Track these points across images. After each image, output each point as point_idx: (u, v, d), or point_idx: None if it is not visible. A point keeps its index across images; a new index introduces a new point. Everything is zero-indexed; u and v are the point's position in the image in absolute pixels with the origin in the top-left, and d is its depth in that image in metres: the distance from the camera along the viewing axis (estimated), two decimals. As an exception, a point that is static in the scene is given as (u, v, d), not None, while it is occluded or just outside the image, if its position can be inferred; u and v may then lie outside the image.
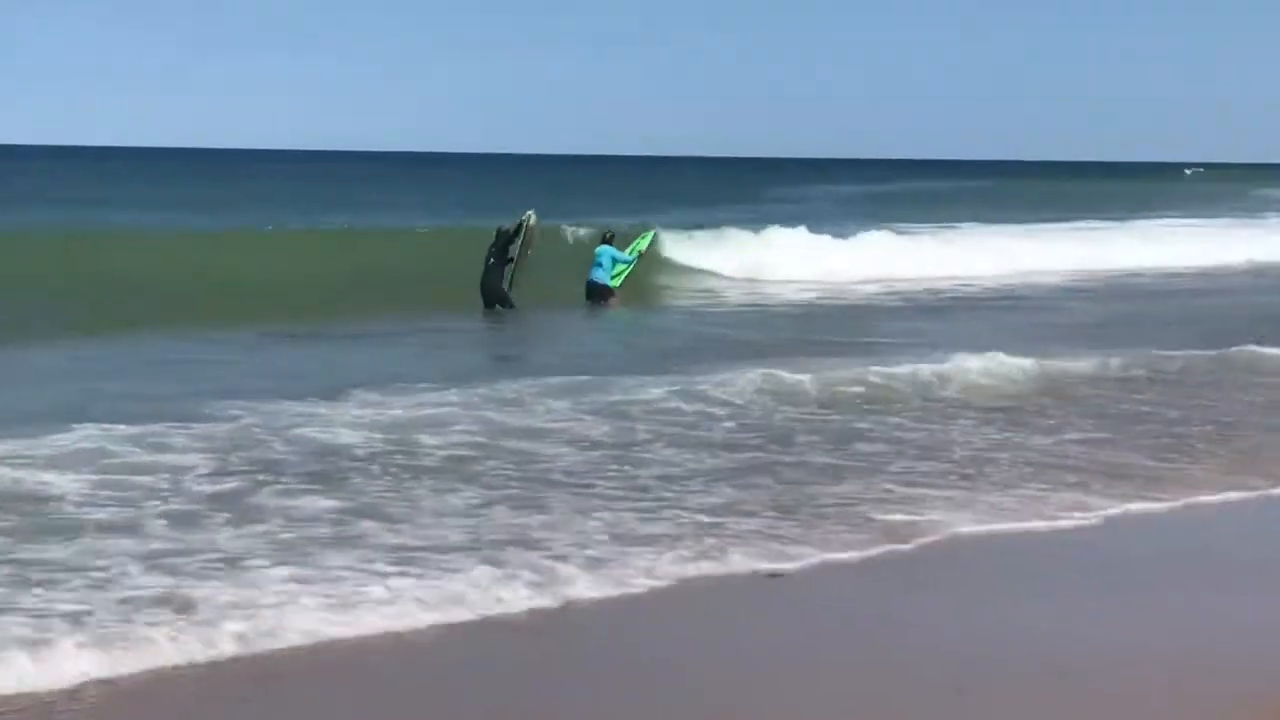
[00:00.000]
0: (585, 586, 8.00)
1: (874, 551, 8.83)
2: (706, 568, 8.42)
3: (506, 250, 22.55)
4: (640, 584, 8.10)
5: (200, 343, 17.88)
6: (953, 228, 38.62)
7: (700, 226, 32.37)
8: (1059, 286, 28.02)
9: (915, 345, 17.53)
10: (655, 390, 13.44)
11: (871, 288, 26.90)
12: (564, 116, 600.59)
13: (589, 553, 8.58)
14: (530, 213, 23.37)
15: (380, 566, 8.20)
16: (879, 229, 33.68)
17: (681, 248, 28.97)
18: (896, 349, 17.17)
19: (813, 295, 25.61)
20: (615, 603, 7.87)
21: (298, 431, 11.41)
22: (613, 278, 23.42)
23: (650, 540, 8.88)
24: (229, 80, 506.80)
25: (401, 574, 8.07)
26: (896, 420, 12.72)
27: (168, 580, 7.82)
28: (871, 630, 7.61)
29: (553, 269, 24.24)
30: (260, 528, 8.91)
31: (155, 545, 8.47)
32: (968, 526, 9.39)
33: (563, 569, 8.26)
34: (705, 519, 9.38)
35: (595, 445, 11.41)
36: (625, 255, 23.92)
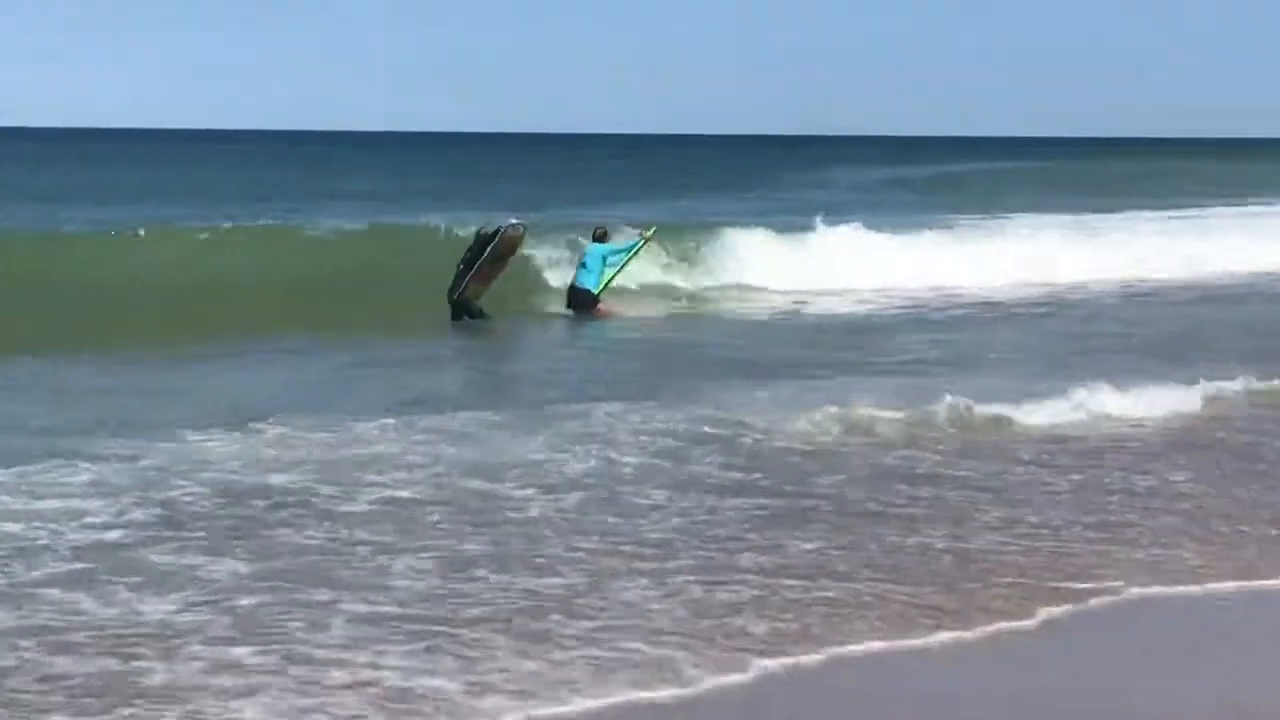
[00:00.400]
0: (692, 669, 7.25)
1: (1035, 619, 8.22)
2: (834, 645, 7.68)
3: (480, 256, 21.61)
4: (757, 664, 7.37)
5: (91, 363, 16.74)
6: (1004, 218, 37.84)
7: (713, 220, 31.59)
8: (1130, 292, 26.92)
9: (964, 365, 16.83)
10: (659, 420, 12.62)
11: (918, 295, 25.69)
12: (551, 92, 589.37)
13: (658, 624, 7.88)
14: (516, 222, 22.40)
15: (390, 646, 7.36)
16: (929, 225, 32.59)
17: (688, 246, 27.74)
18: (946, 370, 16.44)
19: (851, 305, 24.60)
20: (742, 689, 7.13)
21: (210, 474, 10.65)
22: (599, 283, 22.44)
23: (729, 610, 8.19)
24: (161, 57, 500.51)
25: (431, 649, 7.32)
26: (941, 456, 11.99)
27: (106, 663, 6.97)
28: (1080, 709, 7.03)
29: (532, 273, 23.45)
30: (183, 595, 8.12)
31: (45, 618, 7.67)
32: (1145, 588, 8.81)
33: (644, 650, 7.45)
34: (786, 581, 8.71)
35: (578, 486, 10.66)
36: (618, 247, 22.92)
